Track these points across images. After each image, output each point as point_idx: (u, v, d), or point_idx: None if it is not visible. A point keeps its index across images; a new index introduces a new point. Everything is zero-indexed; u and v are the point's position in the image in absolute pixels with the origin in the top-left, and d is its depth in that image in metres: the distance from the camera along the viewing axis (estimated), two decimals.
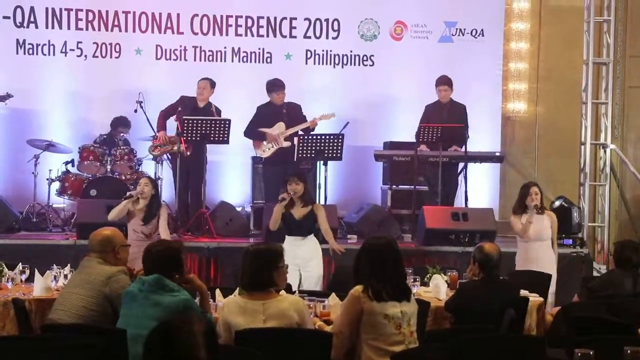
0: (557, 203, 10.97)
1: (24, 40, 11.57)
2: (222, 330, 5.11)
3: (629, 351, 4.22)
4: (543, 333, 6.74)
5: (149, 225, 8.30)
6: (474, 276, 6.50)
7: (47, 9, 11.60)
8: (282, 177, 8.85)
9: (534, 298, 6.87)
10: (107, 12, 11.71)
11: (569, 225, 10.69)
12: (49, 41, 11.60)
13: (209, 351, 3.16)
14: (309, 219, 8.11)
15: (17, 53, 11.58)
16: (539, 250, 8.43)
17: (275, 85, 10.68)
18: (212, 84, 10.72)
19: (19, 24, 11.57)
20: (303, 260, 7.96)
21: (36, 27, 11.59)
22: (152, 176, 10.58)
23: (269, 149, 10.57)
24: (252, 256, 5.22)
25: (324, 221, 8.16)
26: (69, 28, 11.66)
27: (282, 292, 5.49)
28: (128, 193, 8.56)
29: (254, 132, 10.66)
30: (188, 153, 10.34)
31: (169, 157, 10.75)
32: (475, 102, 11.65)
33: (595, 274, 10.32)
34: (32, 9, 11.57)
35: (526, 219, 8.38)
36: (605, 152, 12.61)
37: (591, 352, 4.11)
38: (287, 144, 10.48)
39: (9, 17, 11.54)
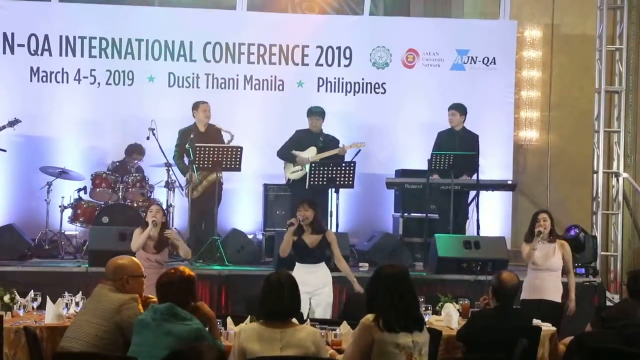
0: (572, 232, 10.91)
1: (38, 68, 11.63)
2: (237, 356, 5.09)
3: None
4: None
5: (162, 253, 8.21)
6: (488, 305, 6.46)
7: (60, 37, 11.66)
8: None
9: (547, 328, 6.84)
10: (120, 40, 11.77)
11: (587, 254, 10.62)
12: (62, 69, 11.67)
13: None
14: (322, 246, 8.08)
15: (31, 80, 11.63)
16: (546, 279, 8.16)
17: (311, 112, 10.76)
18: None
19: (33, 52, 11.63)
20: (314, 287, 7.92)
21: (50, 54, 11.65)
22: (165, 204, 10.61)
23: (298, 171, 10.58)
24: (289, 284, 5.21)
25: (339, 254, 8.14)
26: (82, 56, 11.71)
27: (294, 320, 5.48)
28: (149, 220, 8.23)
29: (284, 153, 10.71)
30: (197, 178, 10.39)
31: (181, 185, 10.75)
32: (487, 130, 11.66)
33: (608, 303, 10.25)
34: (46, 37, 11.63)
35: (530, 246, 8.29)
36: (617, 180, 12.59)
37: None
38: None
39: (23, 45, 11.61)
